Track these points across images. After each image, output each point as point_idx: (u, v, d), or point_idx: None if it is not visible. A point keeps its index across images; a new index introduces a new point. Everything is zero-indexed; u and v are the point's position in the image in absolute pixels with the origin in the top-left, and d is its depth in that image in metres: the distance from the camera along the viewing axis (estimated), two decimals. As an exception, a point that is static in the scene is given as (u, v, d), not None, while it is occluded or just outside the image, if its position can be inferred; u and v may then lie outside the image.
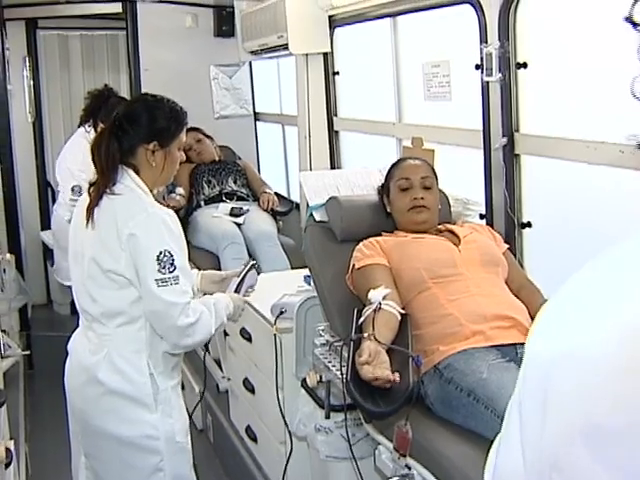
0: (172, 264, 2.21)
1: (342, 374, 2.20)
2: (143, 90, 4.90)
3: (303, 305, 2.81)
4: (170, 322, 2.23)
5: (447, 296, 2.36)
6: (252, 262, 2.71)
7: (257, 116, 5.66)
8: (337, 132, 4.35)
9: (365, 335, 2.21)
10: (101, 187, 2.28)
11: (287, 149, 5.27)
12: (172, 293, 2.21)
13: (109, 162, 2.28)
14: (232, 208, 4.52)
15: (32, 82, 5.76)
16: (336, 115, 4.32)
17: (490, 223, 2.93)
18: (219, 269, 4.17)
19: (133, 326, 2.31)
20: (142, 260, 2.21)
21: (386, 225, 2.75)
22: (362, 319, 2.33)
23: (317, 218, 2.88)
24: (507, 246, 2.70)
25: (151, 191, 2.38)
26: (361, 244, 2.61)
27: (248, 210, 4.54)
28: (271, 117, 5.50)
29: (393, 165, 2.78)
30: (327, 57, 4.23)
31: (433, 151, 3.20)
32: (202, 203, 4.68)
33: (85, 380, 2.35)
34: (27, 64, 5.76)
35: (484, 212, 2.98)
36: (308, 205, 2.97)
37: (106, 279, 2.26)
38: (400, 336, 2.29)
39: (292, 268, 4.09)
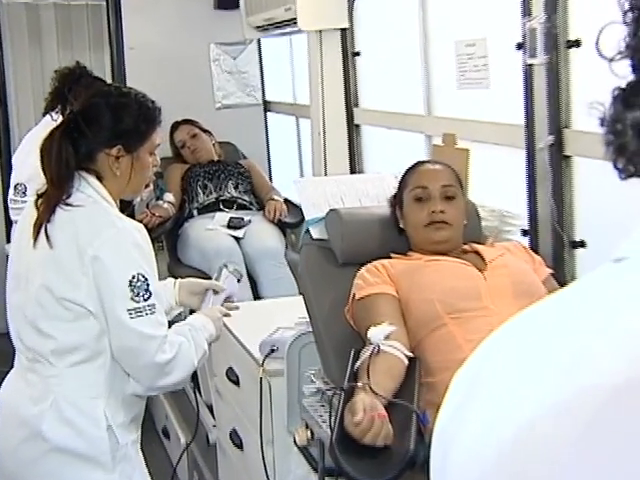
0: (147, 290, 2.15)
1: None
2: (128, 74, 4.84)
3: (296, 342, 2.72)
4: (146, 359, 2.18)
5: (465, 335, 2.24)
6: (225, 263, 2.66)
7: (267, 106, 5.55)
8: (358, 126, 4.26)
9: (359, 385, 2.11)
10: (52, 199, 2.21)
11: (302, 146, 5.19)
12: (148, 324, 2.16)
13: (61, 169, 2.21)
14: (231, 219, 4.46)
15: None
16: (357, 106, 4.22)
17: (534, 242, 2.81)
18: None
19: (90, 365, 2.22)
20: (110, 287, 2.14)
21: (398, 245, 2.64)
22: (358, 363, 2.22)
23: (315, 235, 2.80)
24: (550, 271, 2.57)
25: (130, 204, 2.35)
26: (364, 269, 2.51)
27: (250, 221, 4.46)
28: (284, 107, 5.39)
29: (408, 170, 2.67)
30: (345, 34, 4.14)
31: (467, 151, 3.10)
32: (195, 212, 4.62)
33: (24, 437, 2.25)
34: None
35: (527, 228, 2.87)
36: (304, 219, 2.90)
37: (60, 308, 2.18)
38: (406, 384, 2.19)
39: (300, 293, 3.99)
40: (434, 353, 2.27)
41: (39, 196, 2.25)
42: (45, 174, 2.23)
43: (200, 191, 4.64)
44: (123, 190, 2.31)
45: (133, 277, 2.13)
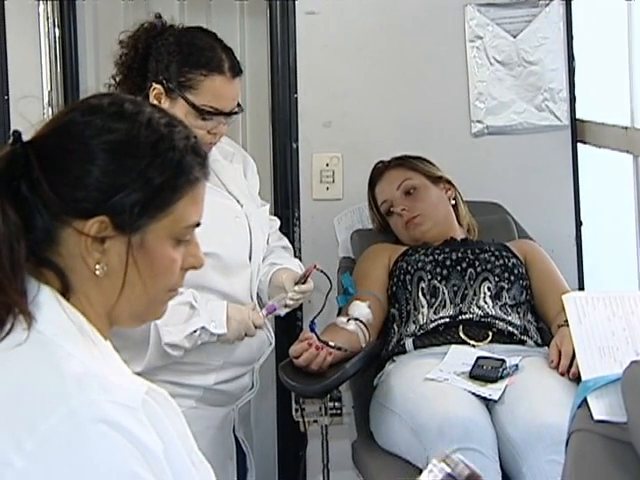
0: None
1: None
2: (300, 56, 3.16)
3: None
4: None
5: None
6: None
7: (579, 131, 3.26)
8: None
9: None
10: None
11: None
12: None
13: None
14: (478, 360, 2.51)
15: (58, 33, 3.25)
16: None
17: None
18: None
19: None
20: None
21: None
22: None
23: (597, 414, 1.71)
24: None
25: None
26: None
27: (516, 368, 2.47)
28: (612, 135, 3.10)
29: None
30: None
31: None
32: (410, 343, 2.66)
33: None
34: None
35: None
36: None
37: None
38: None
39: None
40: None
41: None
42: None
43: (423, 301, 2.65)
44: (111, 310, 1.27)
45: None
